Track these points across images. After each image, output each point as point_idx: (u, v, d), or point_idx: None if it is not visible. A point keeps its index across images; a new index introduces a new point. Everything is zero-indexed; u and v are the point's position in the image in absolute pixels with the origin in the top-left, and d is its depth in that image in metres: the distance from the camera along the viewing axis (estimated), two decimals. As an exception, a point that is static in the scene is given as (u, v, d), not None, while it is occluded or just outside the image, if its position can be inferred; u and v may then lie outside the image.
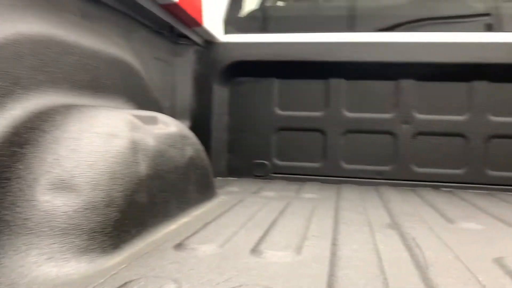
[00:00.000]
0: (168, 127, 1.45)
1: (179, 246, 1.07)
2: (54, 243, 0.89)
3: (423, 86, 2.28)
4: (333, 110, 2.36)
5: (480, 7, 2.38)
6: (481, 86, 2.23)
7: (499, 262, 1.02)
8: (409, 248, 1.11)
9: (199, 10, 2.09)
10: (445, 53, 2.20)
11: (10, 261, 0.84)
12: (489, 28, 2.27)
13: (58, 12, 1.33)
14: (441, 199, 1.88)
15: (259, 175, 2.41)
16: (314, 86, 2.38)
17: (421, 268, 0.96)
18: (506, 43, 2.15)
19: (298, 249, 1.07)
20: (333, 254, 1.04)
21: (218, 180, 2.32)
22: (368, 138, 2.33)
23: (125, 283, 0.82)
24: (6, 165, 0.94)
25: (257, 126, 2.42)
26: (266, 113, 2.41)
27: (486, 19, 2.30)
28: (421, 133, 2.29)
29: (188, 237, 1.14)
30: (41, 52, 1.17)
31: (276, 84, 2.40)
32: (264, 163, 2.41)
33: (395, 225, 1.36)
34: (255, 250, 1.05)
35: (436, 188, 2.23)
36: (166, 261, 0.97)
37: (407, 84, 2.29)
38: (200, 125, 2.35)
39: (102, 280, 0.84)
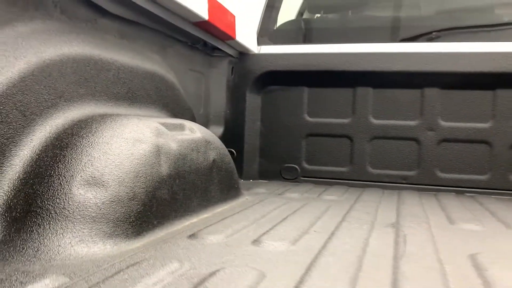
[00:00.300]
0: (193, 133, 1.63)
1: (192, 236, 1.24)
2: (85, 228, 1.09)
3: (447, 94, 2.35)
4: (360, 117, 2.47)
5: (507, 16, 2.43)
6: (504, 94, 2.28)
7: (473, 257, 1.12)
8: (396, 243, 1.23)
9: (231, 24, 2.27)
10: (469, 62, 2.26)
11: (49, 241, 1.04)
12: (515, 36, 2.31)
13: (99, 34, 1.55)
14: (457, 203, 1.96)
15: (289, 178, 2.56)
16: (342, 94, 2.50)
17: (396, 259, 1.08)
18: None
19: (295, 241, 1.22)
20: (323, 246, 1.18)
21: (249, 183, 2.48)
22: (393, 144, 2.43)
23: (139, 261, 1.00)
24: (49, 165, 1.15)
25: (288, 132, 2.57)
26: (296, 119, 2.56)
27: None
28: (445, 140, 2.36)
29: (202, 229, 1.31)
30: (82, 70, 1.39)
31: (305, 92, 2.55)
32: (293, 167, 2.55)
33: (396, 225, 1.47)
34: (256, 241, 1.21)
35: (460, 193, 2.30)
36: (177, 247, 1.14)
37: (432, 93, 2.37)
38: (233, 131, 2.53)
39: (121, 259, 1.02)
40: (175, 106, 1.92)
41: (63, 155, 1.17)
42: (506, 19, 2.40)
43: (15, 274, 0.91)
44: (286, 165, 2.57)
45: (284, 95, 2.58)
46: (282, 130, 2.57)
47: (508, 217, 1.67)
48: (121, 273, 0.92)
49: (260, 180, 2.57)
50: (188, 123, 1.67)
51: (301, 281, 0.92)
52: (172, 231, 1.30)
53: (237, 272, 0.95)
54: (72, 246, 1.05)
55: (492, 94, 2.30)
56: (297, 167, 2.55)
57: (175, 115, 1.89)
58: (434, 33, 2.40)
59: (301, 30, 2.72)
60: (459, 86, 2.33)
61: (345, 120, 2.50)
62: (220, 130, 2.48)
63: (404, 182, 2.41)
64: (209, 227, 1.34)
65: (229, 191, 1.82)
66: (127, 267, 0.96)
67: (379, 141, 2.45)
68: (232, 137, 2.51)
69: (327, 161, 2.52)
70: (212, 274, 0.93)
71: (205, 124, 2.36)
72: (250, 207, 1.71)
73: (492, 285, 0.93)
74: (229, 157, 1.87)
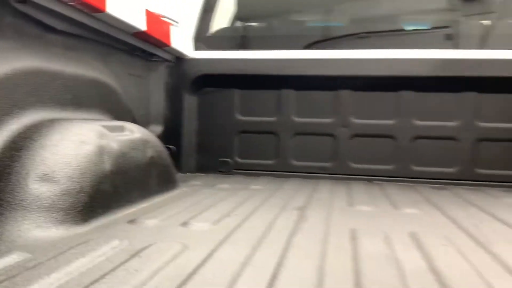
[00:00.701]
0: (132, 134, 1.87)
1: (131, 221, 1.50)
2: (41, 217, 1.32)
3: (358, 95, 2.70)
4: (284, 116, 2.79)
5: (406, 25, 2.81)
6: (405, 95, 2.66)
7: (352, 231, 1.44)
8: (296, 222, 1.54)
9: (167, 33, 2.51)
10: (375, 67, 2.62)
11: (11, 227, 1.27)
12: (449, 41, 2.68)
13: (47, 48, 1.76)
14: (364, 190, 2.31)
15: (223, 171, 2.84)
16: (269, 96, 2.81)
17: (292, 234, 1.38)
18: (427, 59, 2.57)
19: (216, 222, 1.50)
20: (238, 225, 1.47)
21: (187, 176, 2.74)
22: (312, 139, 2.76)
23: (86, 241, 1.25)
24: (7, 164, 1.37)
25: (222, 129, 2.84)
26: (229, 118, 2.84)
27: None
28: (357, 135, 2.71)
29: (140, 216, 1.57)
30: (32, 80, 1.60)
31: (237, 94, 2.83)
32: (227, 161, 2.83)
33: (302, 208, 1.79)
34: (184, 223, 1.48)
35: (369, 181, 2.66)
36: (118, 230, 1.39)
37: (345, 94, 2.72)
38: (172, 130, 2.78)
39: (72, 240, 1.27)
40: (117, 109, 2.15)
41: (18, 155, 1.39)
42: (406, 28, 2.78)
43: (-15, 252, 1.14)
44: (221, 159, 2.84)
45: (219, 96, 2.85)
46: (217, 128, 2.84)
47: (399, 200, 2.03)
48: (72, 249, 1.17)
49: (198, 174, 2.84)
50: (128, 125, 1.91)
51: (215, 249, 1.20)
52: (114, 218, 1.55)
53: (166, 246, 1.22)
54: (30, 230, 1.29)
55: (395, 95, 2.67)
56: (230, 161, 2.83)
57: (117, 117, 2.12)
58: (346, 40, 2.75)
59: (233, 37, 3.00)
60: (368, 88, 2.69)
61: (272, 119, 2.81)
62: (159, 129, 2.72)
63: (322, 172, 2.75)
64: (146, 214, 1.60)
65: (166, 184, 2.08)
66: (77, 245, 1.21)
67: (301, 137, 2.78)
68: (171, 135, 2.76)
69: (256, 155, 2.82)
70: (145, 248, 1.20)
71: (146, 124, 2.60)
72: (184, 197, 1.98)
73: (359, 250, 1.25)
74: (165, 154, 2.13)
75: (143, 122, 2.56)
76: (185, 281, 0.98)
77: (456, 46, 2.64)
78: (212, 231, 1.41)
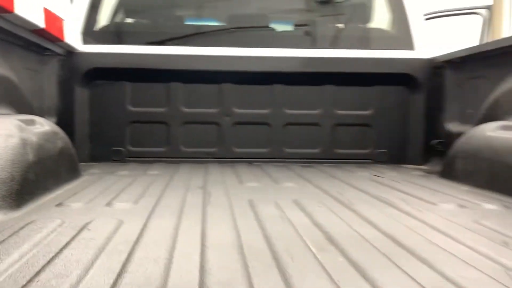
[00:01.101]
0: (43, 127, 2.02)
1: (59, 204, 1.69)
2: (-19, 204, 1.47)
3: (239, 88, 3.08)
4: (173, 106, 3.06)
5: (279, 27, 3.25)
6: (278, 88, 3.10)
7: (250, 201, 1.81)
8: (204, 198, 1.86)
9: (60, 29, 2.63)
10: (253, 64, 3.01)
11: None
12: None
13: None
14: (247, 170, 2.70)
15: (116, 159, 3.03)
16: (159, 88, 3.05)
17: (204, 206, 1.71)
18: (294, 57, 3.03)
19: (136, 202, 1.76)
20: (156, 203, 1.75)
21: (81, 165, 2.88)
22: (200, 128, 3.08)
23: (31, 222, 1.44)
24: None
25: (114, 120, 3.02)
26: (120, 109, 3.03)
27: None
28: (238, 123, 3.09)
29: (64, 200, 1.76)
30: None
31: (128, 86, 3.03)
32: (120, 150, 3.03)
33: (203, 187, 2.11)
34: (108, 203, 1.72)
35: (250, 163, 3.06)
36: (53, 212, 1.59)
37: (227, 87, 3.08)
38: (65, 121, 2.89)
39: (16, 222, 1.44)
40: (18, 103, 2.25)
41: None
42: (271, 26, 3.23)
43: None
44: (114, 148, 3.03)
45: (110, 88, 3.02)
46: (109, 119, 3.01)
47: (278, 177, 2.45)
48: (24, 229, 1.36)
49: (91, 163, 2.99)
50: (37, 118, 2.05)
51: (146, 222, 1.47)
52: (41, 203, 1.72)
53: (105, 221, 1.47)
54: (-27, 217, 1.43)
55: (269, 88, 3.10)
56: (123, 149, 3.03)
57: (18, 111, 2.22)
58: (227, 37, 3.10)
59: (115, 32, 3.17)
60: (246, 81, 3.08)
61: (162, 109, 3.06)
62: (53, 120, 2.81)
63: (209, 157, 3.09)
64: (68, 198, 1.80)
65: (73, 172, 2.25)
66: (26, 225, 1.40)
67: (189, 126, 3.08)
68: (64, 126, 2.87)
69: (148, 143, 3.06)
70: (88, 223, 1.43)
71: (41, 116, 2.68)
72: (93, 184, 2.17)
73: (259, 213, 1.61)
74: (71, 144, 2.29)
75: (38, 115, 2.65)
76: (136, 243, 1.25)
77: (316, 46, 3.15)
78: (136, 209, 1.67)
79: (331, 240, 1.29)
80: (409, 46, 3.16)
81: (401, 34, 3.20)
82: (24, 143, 1.72)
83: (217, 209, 1.66)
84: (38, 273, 1.01)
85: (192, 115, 3.08)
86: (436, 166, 2.91)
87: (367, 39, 3.27)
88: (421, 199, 1.89)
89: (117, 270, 1.03)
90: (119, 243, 1.25)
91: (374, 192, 2.04)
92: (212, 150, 3.09)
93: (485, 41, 4.70)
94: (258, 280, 0.98)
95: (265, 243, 1.26)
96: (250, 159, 3.09)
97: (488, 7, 4.73)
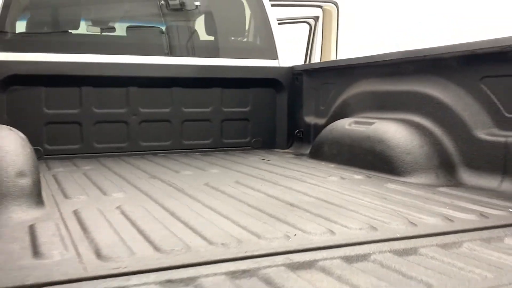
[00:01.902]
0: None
1: (65, 196, 2.14)
2: (23, 202, 1.87)
3: (143, 91, 3.61)
4: (86, 108, 3.46)
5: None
6: (177, 91, 3.72)
7: (207, 184, 2.47)
8: (166, 184, 2.46)
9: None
10: (155, 70, 3.57)
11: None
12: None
13: None
14: (160, 160, 3.29)
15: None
16: (72, 92, 3.41)
17: (173, 188, 2.33)
18: (189, 65, 3.68)
19: (120, 192, 2.28)
20: (138, 192, 2.30)
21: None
22: (111, 126, 3.53)
23: (70, 213, 1.90)
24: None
25: (31, 121, 3.30)
26: (36, 111, 3.31)
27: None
28: (144, 121, 3.63)
29: (63, 197, 2.19)
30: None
31: (43, 91, 3.33)
32: (38, 149, 3.32)
33: (154, 176, 2.68)
34: (104, 194, 2.21)
35: (155, 154, 3.63)
36: (67, 205, 2.04)
37: (134, 90, 3.58)
38: None
39: (61, 214, 1.89)
40: None
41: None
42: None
43: None
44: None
45: (27, 92, 3.28)
46: (26, 120, 3.28)
47: (186, 163, 3.10)
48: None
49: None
50: None
51: (148, 204, 2.05)
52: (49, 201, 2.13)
53: (130, 205, 2.00)
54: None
55: (169, 90, 3.70)
56: (40, 148, 3.33)
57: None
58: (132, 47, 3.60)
59: (30, 41, 3.41)
60: (150, 85, 3.63)
61: (75, 111, 3.43)
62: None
63: (119, 151, 3.57)
64: (59, 195, 2.23)
65: None
66: (68, 218, 1.87)
67: (101, 124, 3.51)
68: None
69: (64, 142, 3.41)
70: (118, 206, 1.96)
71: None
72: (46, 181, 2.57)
73: (226, 191, 2.29)
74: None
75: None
76: (164, 218, 1.84)
77: (206, 56, 3.84)
78: (129, 197, 2.20)
79: (292, 203, 2.05)
80: (274, 57, 4.05)
81: (269, 47, 4.07)
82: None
83: (195, 192, 2.28)
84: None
85: (103, 115, 3.51)
86: (297, 149, 3.90)
87: (244, 51, 4.06)
88: (312, 174, 2.77)
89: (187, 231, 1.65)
90: (156, 217, 1.83)
91: (277, 171, 2.86)
92: (123, 145, 3.58)
93: (313, 45, 5.89)
94: (269, 225, 1.70)
95: (252, 208, 1.96)
96: (155, 151, 3.66)
97: (315, 18, 5.92)
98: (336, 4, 5.05)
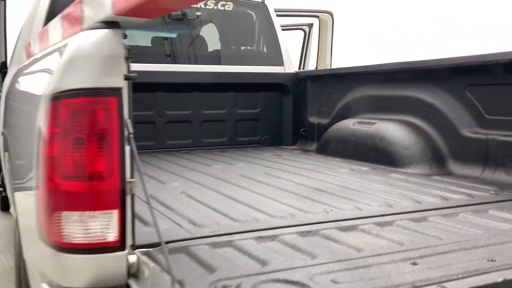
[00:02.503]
0: None
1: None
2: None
3: (169, 95, 4.06)
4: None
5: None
6: (197, 95, 4.18)
7: (241, 174, 2.94)
8: (213, 174, 2.92)
9: None
10: (178, 77, 4.03)
11: None
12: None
13: None
14: (178, 157, 3.74)
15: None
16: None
17: (222, 178, 2.80)
18: (207, 72, 4.14)
19: (176, 181, 2.74)
20: (196, 182, 2.76)
21: None
22: (139, 126, 3.97)
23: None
24: None
25: None
26: None
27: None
28: (169, 122, 4.08)
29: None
30: None
31: None
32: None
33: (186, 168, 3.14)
34: (162, 183, 2.67)
35: (178, 151, 4.08)
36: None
37: (160, 94, 4.03)
38: None
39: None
40: None
41: None
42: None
43: None
44: None
45: None
46: None
47: (216, 160, 3.57)
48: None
49: None
50: None
51: (208, 190, 2.51)
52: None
53: (196, 189, 2.46)
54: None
55: (191, 95, 4.16)
56: None
57: None
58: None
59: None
60: (175, 90, 4.08)
61: None
62: None
63: (148, 149, 4.01)
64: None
65: None
66: None
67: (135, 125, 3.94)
68: None
69: None
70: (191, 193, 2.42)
71: None
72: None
73: (264, 181, 2.77)
74: None
75: None
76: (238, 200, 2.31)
77: (221, 63, 4.32)
78: (185, 185, 2.65)
79: (318, 188, 2.54)
80: (280, 64, 4.54)
81: (275, 55, 4.56)
82: None
83: (236, 181, 2.74)
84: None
85: (135, 117, 3.94)
86: (302, 146, 4.40)
87: (253, 59, 4.54)
88: (325, 167, 3.27)
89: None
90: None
91: (293, 164, 3.35)
92: (151, 143, 4.02)
93: (308, 50, 6.40)
94: (308, 204, 2.18)
95: (289, 192, 2.44)
96: (178, 148, 4.12)
97: (309, 25, 6.42)
98: (331, 14, 5.56)
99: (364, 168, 3.20)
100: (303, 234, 1.71)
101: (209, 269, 1.36)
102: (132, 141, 1.54)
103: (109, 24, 1.46)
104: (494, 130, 2.76)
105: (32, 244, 1.74)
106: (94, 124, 1.49)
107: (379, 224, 1.85)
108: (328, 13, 5.55)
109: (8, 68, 4.21)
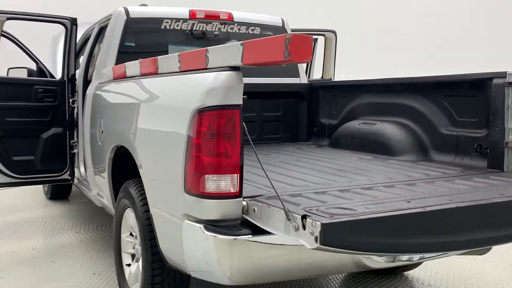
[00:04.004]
0: None
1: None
2: None
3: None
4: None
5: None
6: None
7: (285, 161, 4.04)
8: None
9: None
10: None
11: None
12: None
13: None
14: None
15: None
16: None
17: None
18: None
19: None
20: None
21: None
22: None
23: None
24: None
25: None
26: None
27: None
28: None
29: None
30: None
31: None
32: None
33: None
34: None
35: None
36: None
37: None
38: None
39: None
40: None
41: None
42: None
43: None
44: None
45: None
46: None
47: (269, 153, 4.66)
48: None
49: None
50: None
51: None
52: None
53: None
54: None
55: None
56: None
57: None
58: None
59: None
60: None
61: None
62: None
63: None
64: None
65: None
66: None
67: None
68: None
69: None
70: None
71: None
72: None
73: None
74: None
75: None
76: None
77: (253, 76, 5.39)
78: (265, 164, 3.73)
79: (340, 169, 3.63)
80: (297, 75, 5.65)
81: (293, 69, 5.66)
82: None
83: (285, 165, 3.82)
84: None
85: None
86: (316, 142, 5.50)
87: (276, 72, 5.63)
88: (339, 156, 4.37)
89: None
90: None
91: (313, 155, 4.44)
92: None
93: (313, 62, 7.49)
94: (336, 177, 3.27)
95: (320, 172, 3.53)
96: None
97: (314, 40, 7.49)
98: (335, 33, 6.67)
99: (368, 157, 4.31)
100: (341, 191, 2.81)
101: (296, 204, 2.45)
102: (247, 134, 2.58)
103: (235, 68, 2.55)
104: (462, 129, 3.88)
105: (173, 199, 2.81)
106: (223, 125, 2.57)
107: (385, 187, 2.96)
108: (332, 32, 6.65)
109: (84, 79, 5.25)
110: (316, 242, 2.03)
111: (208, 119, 2.55)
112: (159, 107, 3.16)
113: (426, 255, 3.02)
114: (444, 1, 13.89)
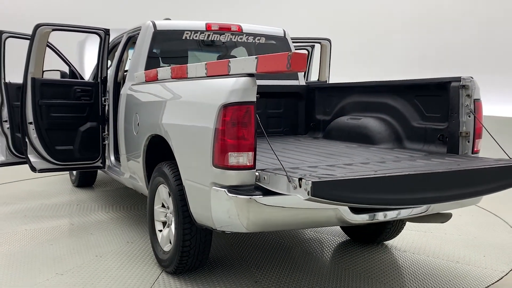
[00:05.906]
0: None
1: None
2: None
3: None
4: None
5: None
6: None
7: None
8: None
9: None
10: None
11: None
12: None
13: None
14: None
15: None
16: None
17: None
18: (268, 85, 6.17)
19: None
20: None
21: None
22: None
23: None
24: None
25: None
26: None
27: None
28: None
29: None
30: None
31: None
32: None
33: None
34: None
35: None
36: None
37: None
38: None
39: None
40: None
41: None
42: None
43: None
44: None
45: None
46: None
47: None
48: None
49: None
50: None
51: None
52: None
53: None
54: None
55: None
56: None
57: None
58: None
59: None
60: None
61: None
62: None
63: None
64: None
65: None
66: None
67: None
68: None
69: None
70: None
71: None
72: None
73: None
74: None
75: None
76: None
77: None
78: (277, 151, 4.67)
79: (331, 153, 4.57)
80: (296, 78, 6.59)
81: (293, 73, 6.60)
82: None
83: (285, 150, 4.76)
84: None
85: None
86: (312, 135, 6.44)
87: (278, 75, 6.56)
88: (331, 145, 5.30)
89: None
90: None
91: (311, 144, 5.38)
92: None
93: (310, 66, 8.43)
94: (325, 158, 4.22)
95: (314, 154, 4.47)
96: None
97: (311, 46, 8.44)
98: (329, 41, 7.62)
99: (354, 145, 5.25)
100: (328, 166, 3.75)
101: (295, 173, 3.39)
102: (260, 123, 3.52)
103: (250, 74, 3.50)
104: (429, 122, 4.82)
105: (203, 171, 3.74)
106: (241, 116, 3.51)
107: (362, 163, 3.90)
108: (327, 40, 7.60)
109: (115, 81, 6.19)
110: (308, 195, 2.97)
111: (231, 112, 3.50)
112: (190, 103, 4.11)
113: (399, 215, 3.94)
114: (435, 8, 14.88)
